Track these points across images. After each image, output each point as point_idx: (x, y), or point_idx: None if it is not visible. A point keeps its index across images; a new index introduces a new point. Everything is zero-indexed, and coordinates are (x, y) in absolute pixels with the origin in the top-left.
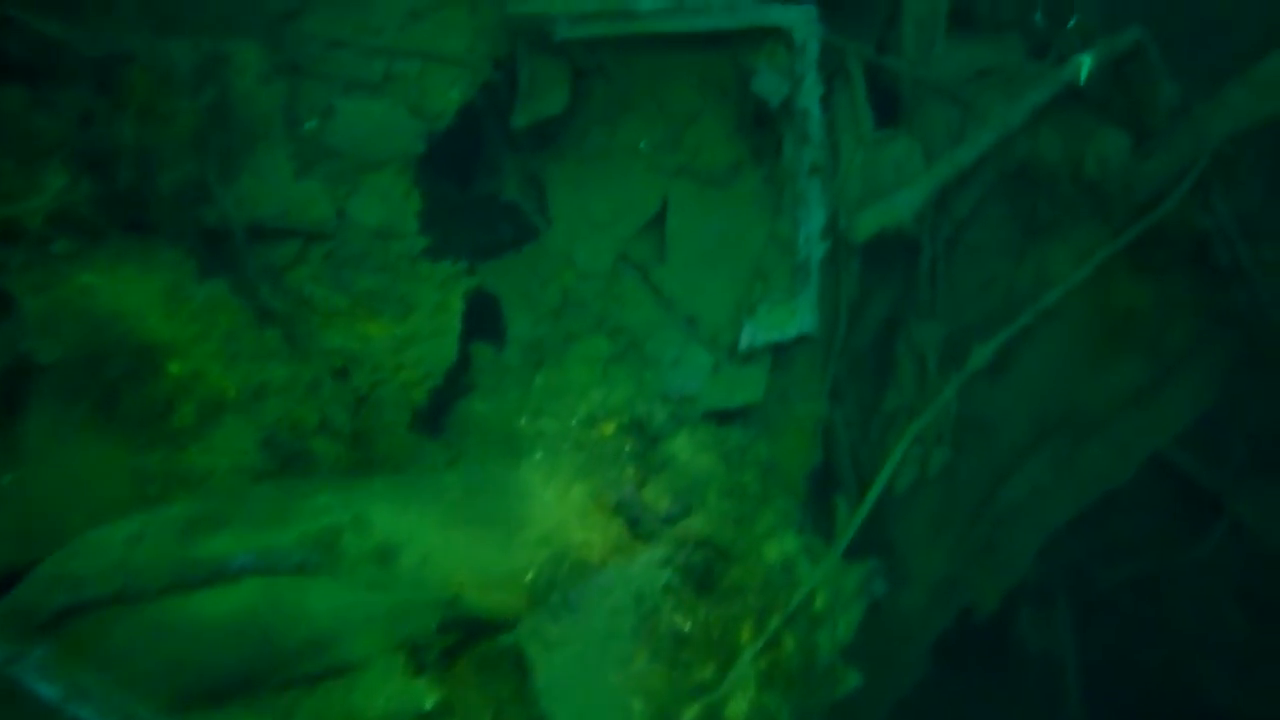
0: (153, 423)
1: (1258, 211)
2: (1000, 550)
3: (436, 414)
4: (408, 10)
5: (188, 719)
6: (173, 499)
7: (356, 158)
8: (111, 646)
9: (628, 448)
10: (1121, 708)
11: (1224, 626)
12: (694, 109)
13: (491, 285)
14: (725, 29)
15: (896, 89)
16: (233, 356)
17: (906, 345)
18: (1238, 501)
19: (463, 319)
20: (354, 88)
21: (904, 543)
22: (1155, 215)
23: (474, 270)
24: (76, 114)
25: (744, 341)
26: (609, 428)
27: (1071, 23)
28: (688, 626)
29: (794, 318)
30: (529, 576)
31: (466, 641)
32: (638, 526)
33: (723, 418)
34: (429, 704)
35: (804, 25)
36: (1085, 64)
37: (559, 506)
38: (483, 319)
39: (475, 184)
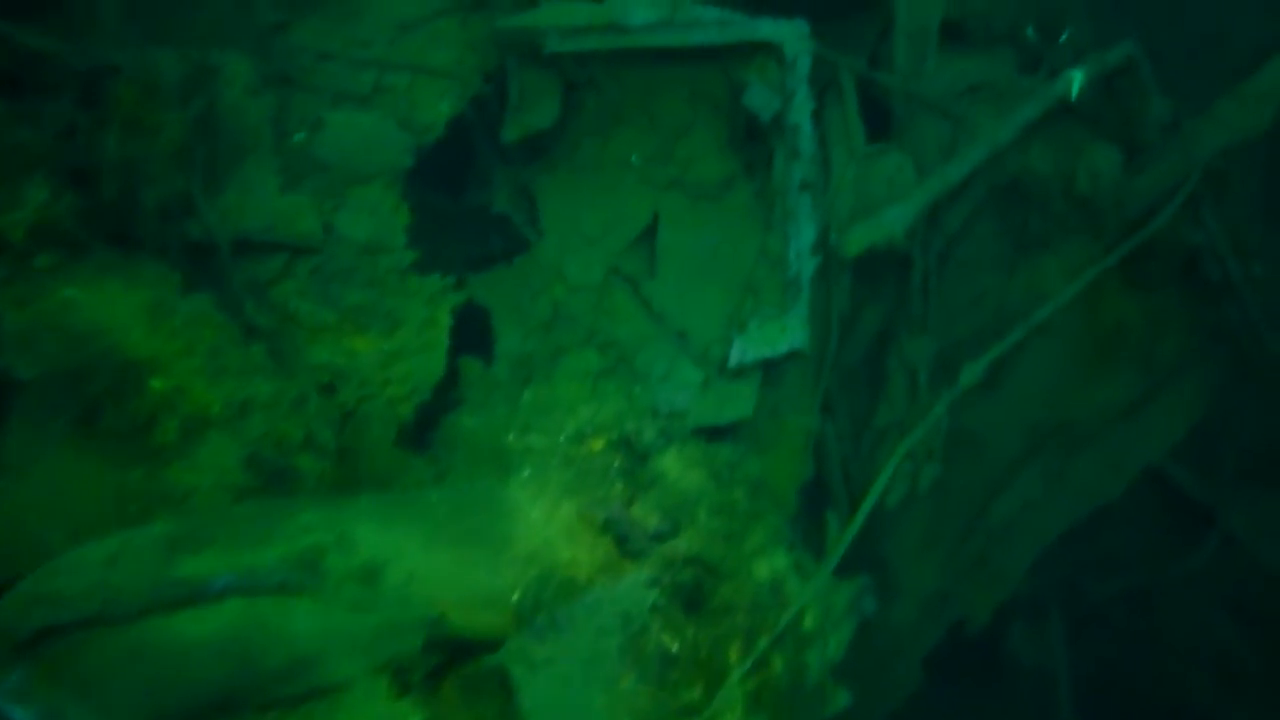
0: (135, 439)
1: (1248, 227)
2: (992, 564)
3: (424, 430)
4: (398, 23)
5: None
6: (154, 517)
7: (345, 171)
8: (90, 668)
9: (616, 464)
10: None
11: (1217, 640)
12: (685, 122)
13: (481, 297)
14: (716, 44)
15: (888, 103)
16: (217, 372)
17: (898, 360)
18: (1230, 514)
19: (451, 333)
20: (343, 100)
21: (895, 557)
22: (1147, 231)
23: (464, 283)
24: (60, 127)
25: (734, 358)
26: (598, 444)
27: (1063, 37)
28: (675, 647)
29: (785, 334)
30: (515, 596)
31: (451, 662)
32: (626, 544)
33: (713, 434)
34: None
35: (795, 40)
36: (1077, 79)
37: (546, 524)
38: (472, 331)
39: (466, 195)
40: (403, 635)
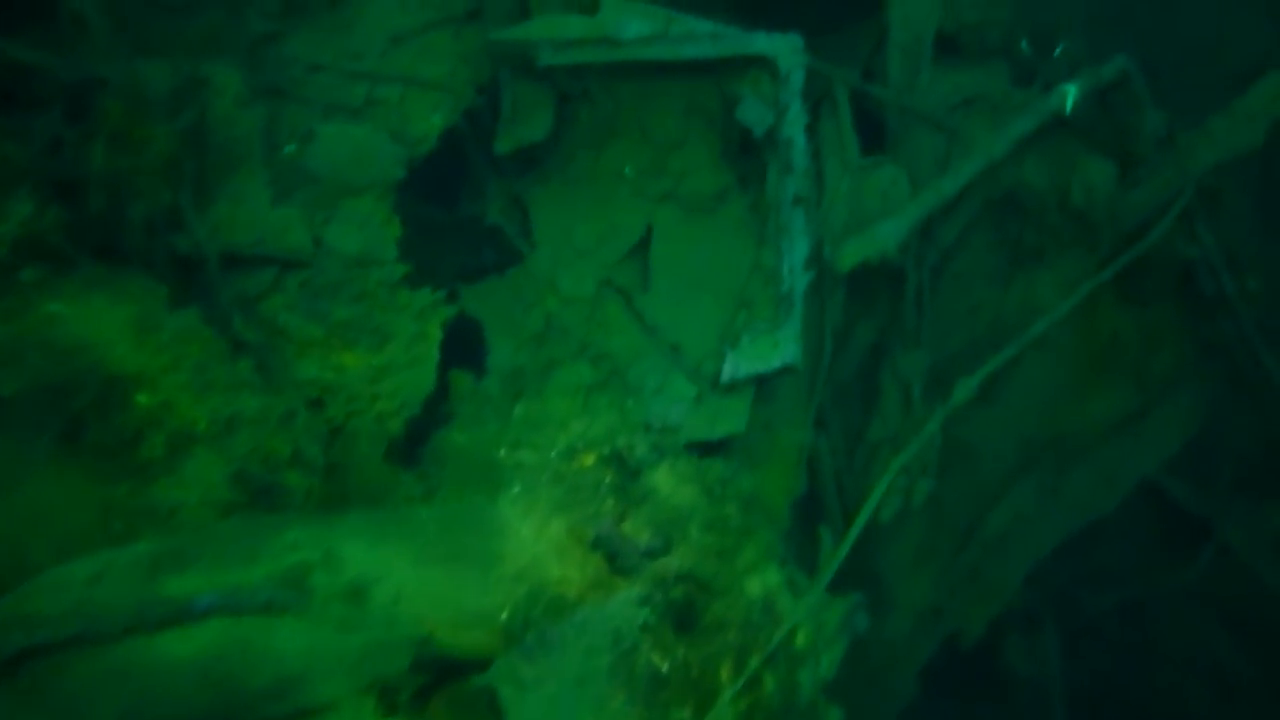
0: (120, 455)
1: (1243, 241)
2: (987, 577)
3: (413, 445)
4: (390, 35)
5: None
6: (139, 533)
7: (336, 183)
8: (70, 689)
9: (608, 480)
10: None
11: (1212, 652)
12: (679, 135)
13: (473, 309)
14: (709, 57)
15: (882, 116)
16: (204, 387)
17: (891, 374)
18: (1225, 527)
19: (441, 347)
20: (335, 112)
21: (890, 571)
22: (1142, 245)
23: (455, 295)
24: (46, 140)
25: (726, 374)
26: (589, 459)
27: (1058, 51)
28: (666, 667)
29: (777, 349)
30: (504, 615)
31: (439, 682)
32: (616, 561)
33: (705, 449)
34: None
35: (789, 54)
36: (1071, 93)
37: (536, 542)
38: (464, 343)
39: (459, 207)
40: (390, 655)
